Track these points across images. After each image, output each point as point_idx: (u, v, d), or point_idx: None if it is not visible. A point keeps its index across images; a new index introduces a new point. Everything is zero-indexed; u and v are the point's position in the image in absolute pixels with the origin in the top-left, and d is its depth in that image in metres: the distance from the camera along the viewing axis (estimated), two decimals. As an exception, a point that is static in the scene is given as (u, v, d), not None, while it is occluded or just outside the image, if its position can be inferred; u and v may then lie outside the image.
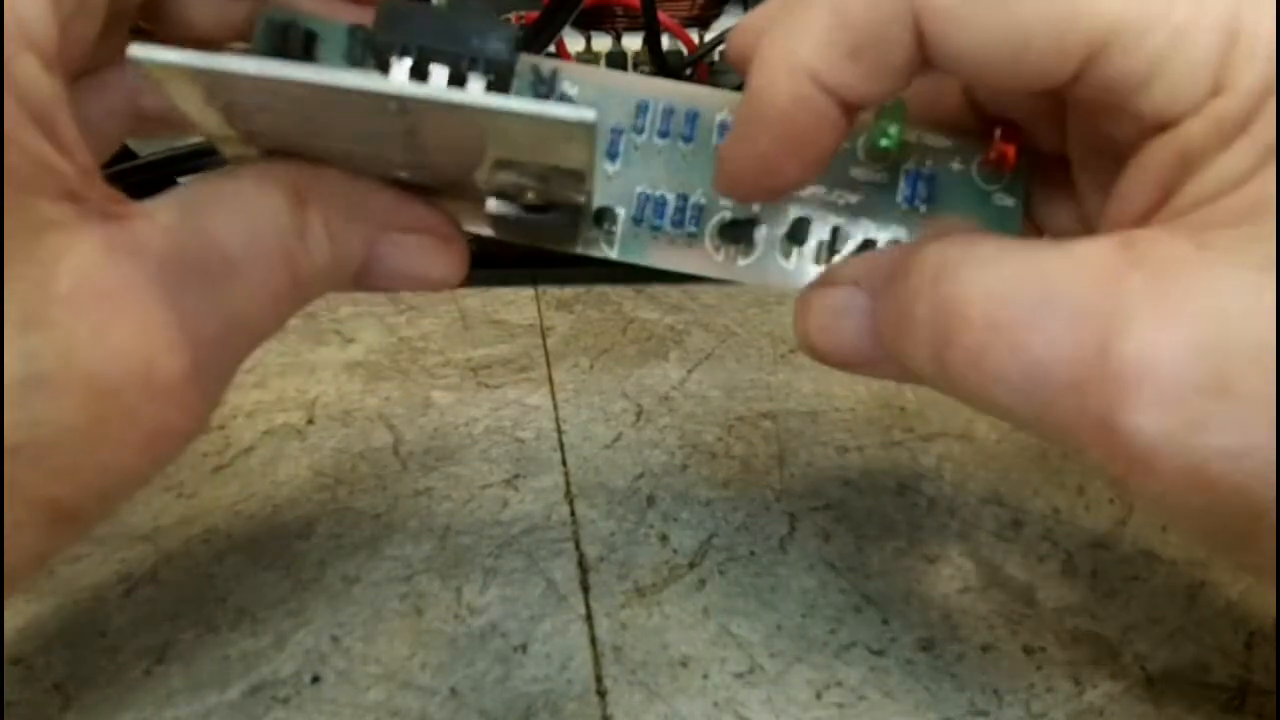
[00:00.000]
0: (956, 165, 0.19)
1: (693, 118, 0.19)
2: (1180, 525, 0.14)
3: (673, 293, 0.36)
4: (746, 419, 0.28)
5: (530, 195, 0.17)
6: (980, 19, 0.14)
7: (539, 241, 0.19)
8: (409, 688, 0.20)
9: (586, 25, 0.61)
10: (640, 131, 0.19)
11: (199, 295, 0.15)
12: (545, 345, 0.33)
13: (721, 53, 0.53)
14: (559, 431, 0.28)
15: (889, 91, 0.15)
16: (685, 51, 0.52)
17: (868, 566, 0.23)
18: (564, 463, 0.27)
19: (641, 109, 0.19)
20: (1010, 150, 0.18)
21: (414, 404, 0.29)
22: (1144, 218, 0.14)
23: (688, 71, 0.50)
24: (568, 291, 0.36)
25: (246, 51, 0.17)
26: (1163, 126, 0.14)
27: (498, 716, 0.19)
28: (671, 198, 0.19)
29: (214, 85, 0.14)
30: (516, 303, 0.35)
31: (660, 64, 0.46)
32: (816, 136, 0.16)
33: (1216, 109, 0.13)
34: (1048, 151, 0.19)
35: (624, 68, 0.63)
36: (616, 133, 0.19)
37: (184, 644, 0.21)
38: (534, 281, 0.36)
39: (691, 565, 0.23)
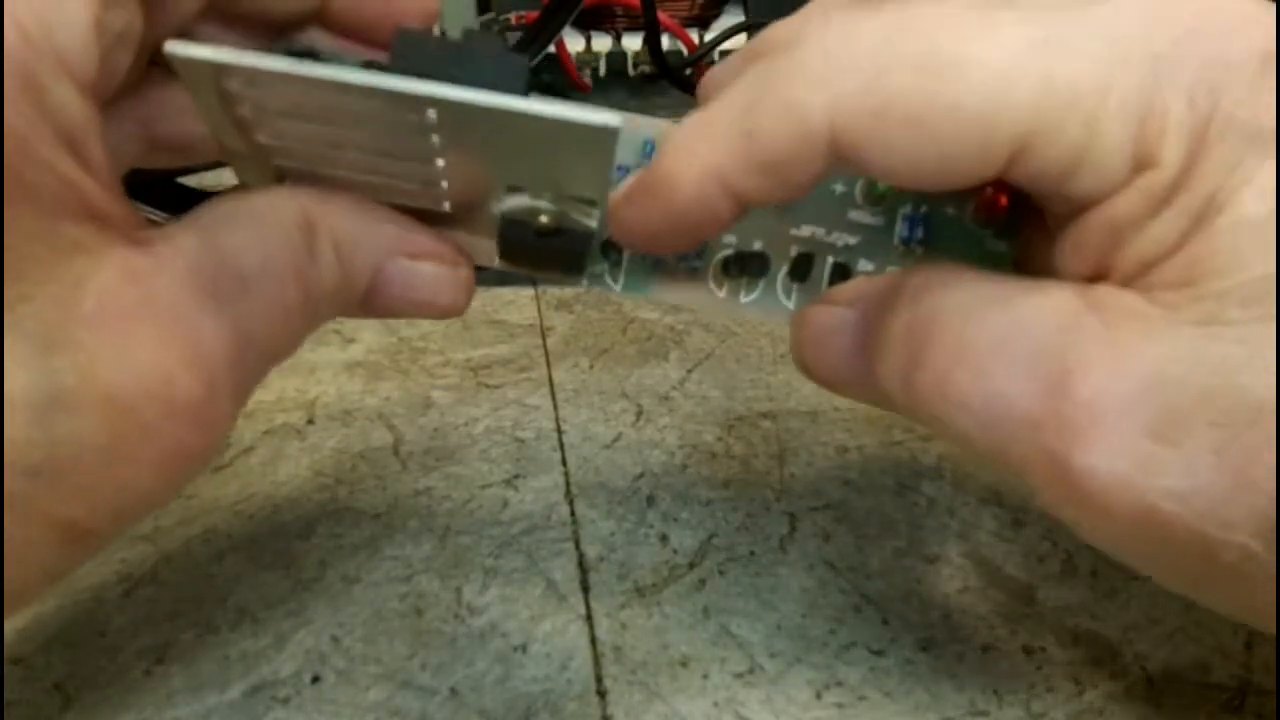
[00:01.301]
0: (950, 210, 0.19)
1: None
2: (1136, 566, 0.15)
3: (673, 293, 0.36)
4: (746, 419, 0.28)
5: (542, 219, 0.17)
6: (899, 142, 0.14)
7: (545, 271, 0.19)
8: (409, 688, 0.20)
9: (586, 25, 0.61)
10: None
11: (215, 315, 0.15)
12: (545, 345, 0.33)
13: (721, 53, 0.53)
14: (559, 431, 0.28)
15: (795, 198, 0.16)
16: (685, 51, 0.52)
17: (868, 566, 0.23)
18: (564, 463, 0.27)
19: (648, 148, 0.19)
20: (1000, 199, 0.19)
21: (414, 404, 0.29)
22: (1090, 280, 0.15)
23: (688, 71, 0.50)
24: (568, 291, 0.36)
25: None
26: (1092, 204, 0.14)
27: (498, 716, 0.19)
28: None
29: (245, 83, 0.14)
30: (516, 303, 0.35)
31: (660, 64, 0.46)
32: (705, 227, 0.16)
33: (1146, 182, 0.14)
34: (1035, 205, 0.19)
35: (624, 68, 0.63)
36: (623, 170, 0.19)
37: (184, 644, 0.21)
38: (534, 281, 0.36)
39: (691, 565, 0.23)
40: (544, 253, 0.18)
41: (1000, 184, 0.19)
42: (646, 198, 0.16)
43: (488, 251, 0.19)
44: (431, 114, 0.14)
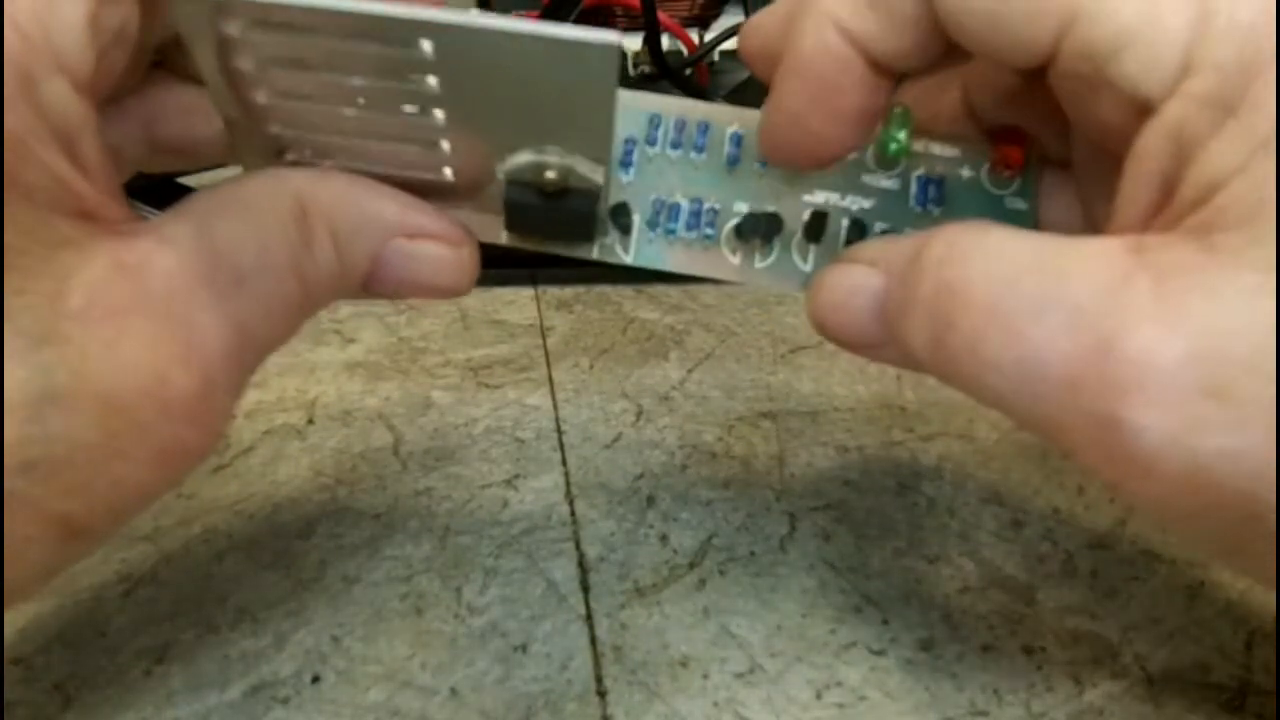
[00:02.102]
0: (966, 172, 0.19)
1: (704, 130, 0.19)
2: (1177, 529, 0.15)
3: (673, 293, 0.36)
4: (746, 419, 0.28)
5: (548, 175, 0.16)
6: None
7: (554, 241, 0.19)
8: (409, 688, 0.20)
9: (586, 25, 0.60)
10: (653, 144, 0.19)
11: (210, 309, 0.15)
12: (545, 345, 0.33)
13: (722, 53, 0.53)
14: (559, 431, 0.28)
15: (905, 49, 0.16)
16: (685, 51, 0.52)
17: (868, 566, 0.23)
18: (564, 463, 0.27)
19: (654, 122, 0.19)
20: (1014, 153, 0.18)
21: (414, 404, 0.29)
22: (1150, 218, 0.14)
23: (687, 71, 0.50)
24: (568, 291, 0.36)
25: None
26: (1146, 109, 0.14)
27: (498, 716, 0.19)
28: (686, 203, 0.19)
29: (243, 25, 0.14)
30: (516, 303, 0.35)
31: (660, 64, 0.46)
32: (844, 89, 0.16)
33: (1193, 88, 0.13)
34: (1053, 159, 0.19)
35: (624, 68, 0.63)
36: (630, 144, 0.19)
37: (184, 644, 0.21)
38: (534, 281, 0.36)
39: (691, 565, 0.23)
40: (551, 218, 0.17)
41: (1013, 137, 0.18)
42: (781, 80, 0.16)
43: (493, 227, 0.18)
44: (428, 46, 0.14)
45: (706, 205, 0.19)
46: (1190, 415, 0.12)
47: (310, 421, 0.29)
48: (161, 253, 0.14)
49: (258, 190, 0.16)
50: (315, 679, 0.20)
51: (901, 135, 0.18)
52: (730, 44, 0.56)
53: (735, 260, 0.19)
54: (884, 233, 0.19)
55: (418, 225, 0.17)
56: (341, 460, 0.27)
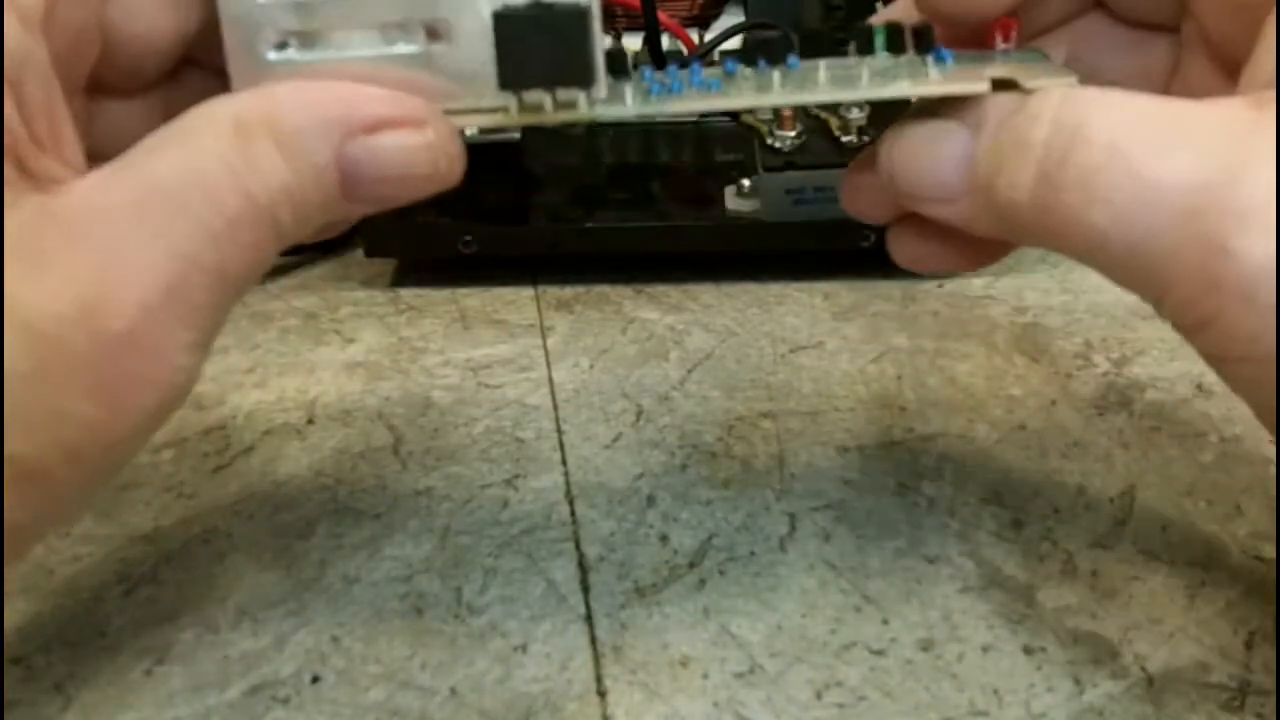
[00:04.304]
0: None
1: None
2: (1250, 381, 0.15)
3: (673, 293, 0.36)
4: (746, 419, 0.28)
5: None
6: None
7: (553, 85, 0.17)
8: (409, 688, 0.20)
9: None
10: None
11: (143, 240, 0.15)
12: (545, 345, 0.33)
13: (721, 53, 0.53)
14: (559, 431, 0.28)
15: None
16: (685, 51, 0.52)
17: (868, 566, 0.23)
18: (564, 463, 0.27)
19: None
20: (1009, 23, 0.18)
21: (414, 404, 0.29)
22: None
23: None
24: (568, 291, 0.36)
25: None
26: None
27: (498, 716, 0.19)
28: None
29: None
30: (516, 303, 0.35)
31: (660, 64, 0.46)
32: None
33: None
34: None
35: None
36: None
37: (184, 644, 0.21)
38: (534, 281, 0.36)
39: (691, 565, 0.23)
40: (545, 54, 0.17)
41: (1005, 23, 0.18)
42: None
43: (489, 87, 0.17)
44: None
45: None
46: None
47: (310, 421, 0.29)
48: (90, 194, 0.15)
49: (194, 117, 0.16)
50: (315, 679, 0.20)
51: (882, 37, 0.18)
52: (730, 44, 0.56)
53: (750, 83, 0.18)
54: (923, 30, 0.18)
55: (373, 115, 0.16)
56: (341, 460, 0.27)
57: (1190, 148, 0.14)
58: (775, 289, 0.35)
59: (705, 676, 0.20)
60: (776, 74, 0.18)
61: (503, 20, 0.17)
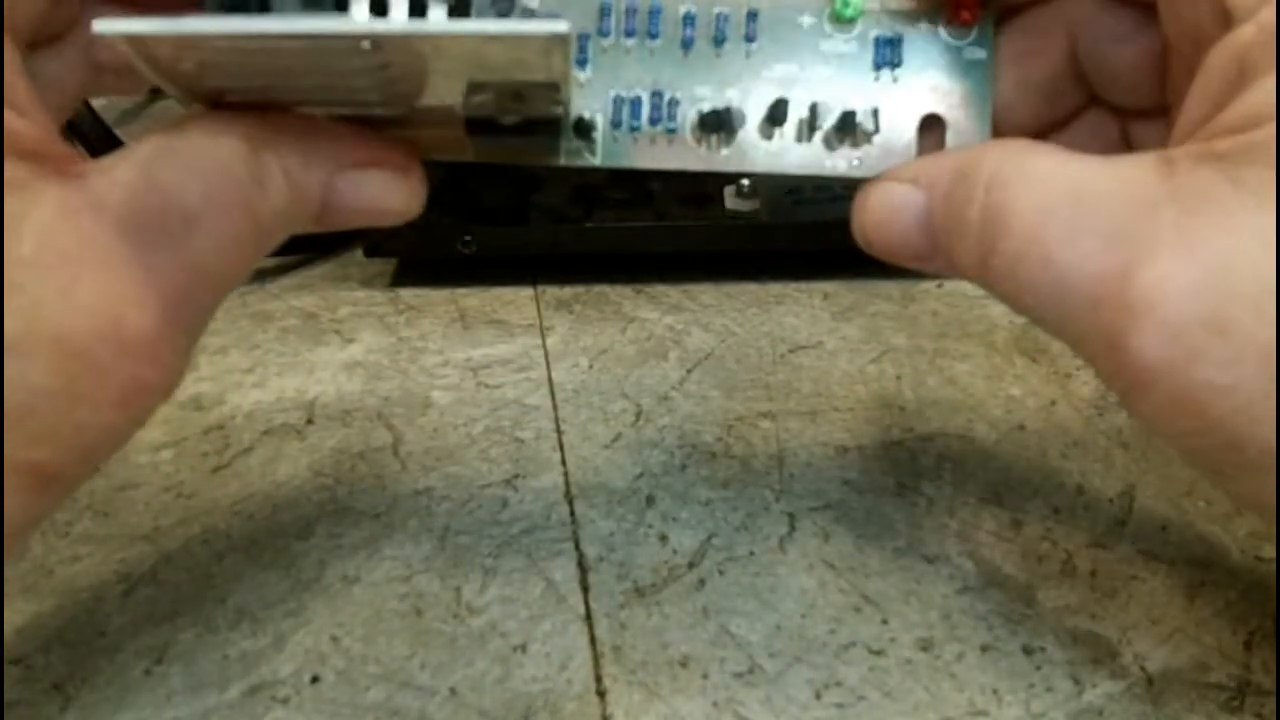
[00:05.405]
0: (924, 25, 0.19)
1: (656, 13, 0.19)
2: (1169, 445, 0.16)
3: (672, 293, 0.36)
4: (746, 419, 0.28)
5: (509, 117, 0.17)
6: None
7: (522, 158, 0.19)
8: (409, 688, 0.20)
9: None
10: (606, 34, 0.19)
11: (161, 249, 0.15)
12: (545, 345, 0.33)
13: None
14: (559, 431, 0.28)
15: None
16: None
17: (867, 566, 0.23)
18: (564, 463, 0.27)
19: (604, 11, 0.19)
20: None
21: (414, 404, 0.29)
22: (1200, 126, 0.15)
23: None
24: (567, 291, 0.36)
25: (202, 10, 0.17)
26: (1228, 21, 0.15)
27: (497, 716, 0.19)
28: (646, 96, 0.19)
29: (182, 48, 0.14)
30: (516, 303, 0.35)
31: None
32: None
33: (1264, 19, 0.14)
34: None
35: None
36: (584, 38, 0.19)
37: (184, 644, 0.21)
38: (533, 281, 0.36)
39: (691, 565, 0.23)
40: (515, 145, 0.18)
41: None
42: None
43: (460, 144, 0.18)
44: (382, 44, 0.14)
45: (667, 96, 0.19)
46: (1188, 346, 0.13)
47: (310, 421, 0.29)
48: (109, 194, 0.15)
49: (203, 131, 0.16)
50: (315, 679, 0.20)
51: None
52: None
53: (701, 150, 0.19)
54: (844, 115, 0.19)
55: (365, 154, 0.17)
56: (341, 460, 0.27)
57: (1094, 232, 0.14)
58: (775, 289, 0.35)
59: (705, 676, 0.20)
60: None
61: (478, 136, 0.18)
